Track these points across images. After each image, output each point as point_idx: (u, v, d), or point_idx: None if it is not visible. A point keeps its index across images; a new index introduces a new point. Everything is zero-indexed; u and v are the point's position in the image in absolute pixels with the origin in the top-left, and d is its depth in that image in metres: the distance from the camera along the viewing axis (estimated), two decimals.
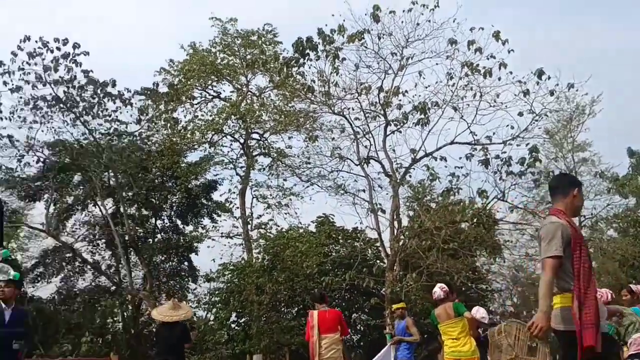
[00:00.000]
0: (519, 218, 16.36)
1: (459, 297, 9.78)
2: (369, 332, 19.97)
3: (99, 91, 16.79)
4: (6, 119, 16.77)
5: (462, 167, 13.74)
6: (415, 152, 14.19)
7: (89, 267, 21.84)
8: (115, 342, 21.69)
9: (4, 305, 5.54)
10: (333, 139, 15.77)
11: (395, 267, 14.32)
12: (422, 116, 13.75)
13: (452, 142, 13.93)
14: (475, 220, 14.49)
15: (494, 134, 13.61)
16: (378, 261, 17.61)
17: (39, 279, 21.75)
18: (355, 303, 20.12)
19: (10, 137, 17.32)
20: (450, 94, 13.80)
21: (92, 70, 16.70)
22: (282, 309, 21.11)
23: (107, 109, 17.31)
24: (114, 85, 17.00)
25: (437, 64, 13.97)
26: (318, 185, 16.50)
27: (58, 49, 15.95)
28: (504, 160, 13.48)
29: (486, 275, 19.43)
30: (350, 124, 14.98)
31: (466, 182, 13.86)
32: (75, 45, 16.00)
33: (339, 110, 14.94)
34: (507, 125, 13.42)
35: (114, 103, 17.29)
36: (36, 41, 15.90)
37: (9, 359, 5.32)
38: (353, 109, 14.82)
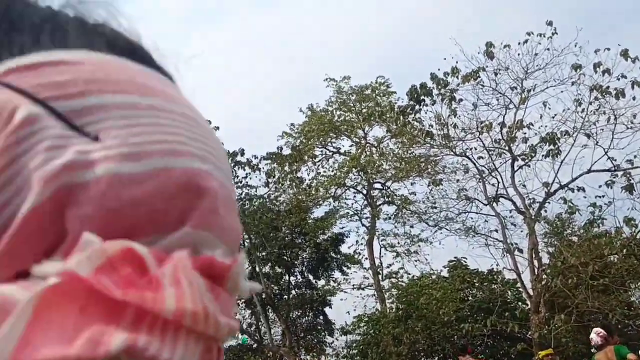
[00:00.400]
0: None
1: (620, 338, 9.02)
2: None
3: (229, 160, 18.10)
4: None
5: (603, 196, 12.93)
6: (548, 186, 13.58)
7: None
8: None
9: None
10: (458, 180, 15.58)
11: (540, 309, 13.50)
12: (552, 147, 13.20)
13: (589, 171, 13.18)
14: (624, 251, 13.36)
15: (635, 157, 12.72)
16: (520, 303, 16.72)
17: None
18: (500, 350, 19.07)
19: None
20: (580, 120, 13.19)
21: (222, 143, 18.11)
22: (422, 359, 20.56)
23: (237, 176, 18.57)
24: (242, 154, 18.30)
25: (562, 91, 13.48)
26: (446, 229, 16.27)
27: None
28: None
29: None
30: (474, 164, 14.75)
31: (610, 212, 12.98)
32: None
33: (461, 151, 14.79)
34: None
35: (244, 170, 18.55)
36: None
37: None
38: (475, 149, 14.61)
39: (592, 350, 7.56)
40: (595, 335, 7.18)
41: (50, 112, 0.30)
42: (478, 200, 14.90)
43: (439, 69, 13.84)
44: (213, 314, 0.27)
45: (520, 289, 15.53)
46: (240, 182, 18.71)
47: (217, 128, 17.69)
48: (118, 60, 0.34)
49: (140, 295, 0.25)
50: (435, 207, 16.31)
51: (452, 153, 14.99)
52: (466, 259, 18.70)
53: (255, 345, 22.49)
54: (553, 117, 13.48)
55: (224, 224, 0.33)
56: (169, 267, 0.27)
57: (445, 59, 13.66)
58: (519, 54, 13.43)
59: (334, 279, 22.34)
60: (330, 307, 22.91)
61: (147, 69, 0.36)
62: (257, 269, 20.77)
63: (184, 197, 0.31)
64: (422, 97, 14.09)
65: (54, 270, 0.25)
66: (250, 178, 18.88)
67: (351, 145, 20.80)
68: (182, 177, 0.31)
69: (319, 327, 23.28)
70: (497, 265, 15.60)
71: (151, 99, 0.33)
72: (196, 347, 0.27)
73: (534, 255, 13.85)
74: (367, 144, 20.29)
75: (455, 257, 19.45)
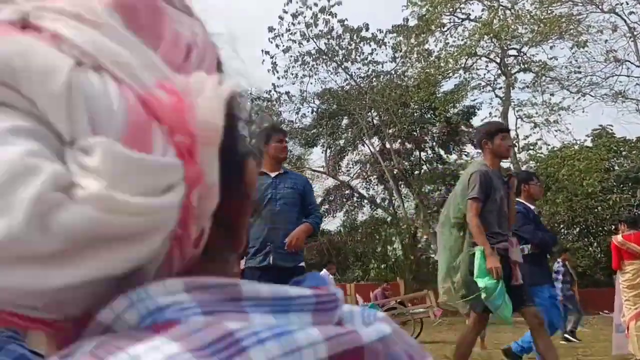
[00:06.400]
0: None
1: None
2: None
3: (354, 37, 17.78)
4: (282, 77, 19.07)
5: None
6: None
7: (365, 201, 23.90)
8: (399, 267, 23.54)
9: None
10: (606, 41, 14.02)
11: None
12: None
13: None
14: None
15: None
16: None
17: (326, 214, 24.63)
18: None
19: (287, 93, 19.72)
20: None
21: (347, 19, 17.73)
22: (562, 231, 20.17)
23: (363, 53, 18.30)
24: (367, 29, 17.82)
25: None
26: (591, 95, 15.03)
27: (315, 4, 17.30)
28: None
29: None
30: (625, 21, 13.08)
31: None
32: None
33: (610, 8, 13.13)
34: None
35: (370, 46, 18.18)
36: (297, 1, 17.47)
37: None
38: (627, 3, 12.87)
39: None
40: None
41: None
42: (629, 61, 13.40)
43: None
44: None
45: None
46: (366, 58, 18.45)
47: (340, 3, 17.28)
48: None
49: None
50: (579, 72, 14.98)
51: (598, 10, 13.38)
52: (612, 126, 17.36)
53: (389, 219, 23.39)
54: None
55: None
56: None
57: None
58: None
59: (466, 152, 22.00)
60: None
61: None
62: (388, 145, 21.00)
63: None
64: None
65: None
66: (377, 54, 18.58)
67: (482, 10, 19.27)
68: None
69: None
70: None
71: None
72: None
73: None
74: (500, 7, 18.68)
75: (600, 125, 18.13)
